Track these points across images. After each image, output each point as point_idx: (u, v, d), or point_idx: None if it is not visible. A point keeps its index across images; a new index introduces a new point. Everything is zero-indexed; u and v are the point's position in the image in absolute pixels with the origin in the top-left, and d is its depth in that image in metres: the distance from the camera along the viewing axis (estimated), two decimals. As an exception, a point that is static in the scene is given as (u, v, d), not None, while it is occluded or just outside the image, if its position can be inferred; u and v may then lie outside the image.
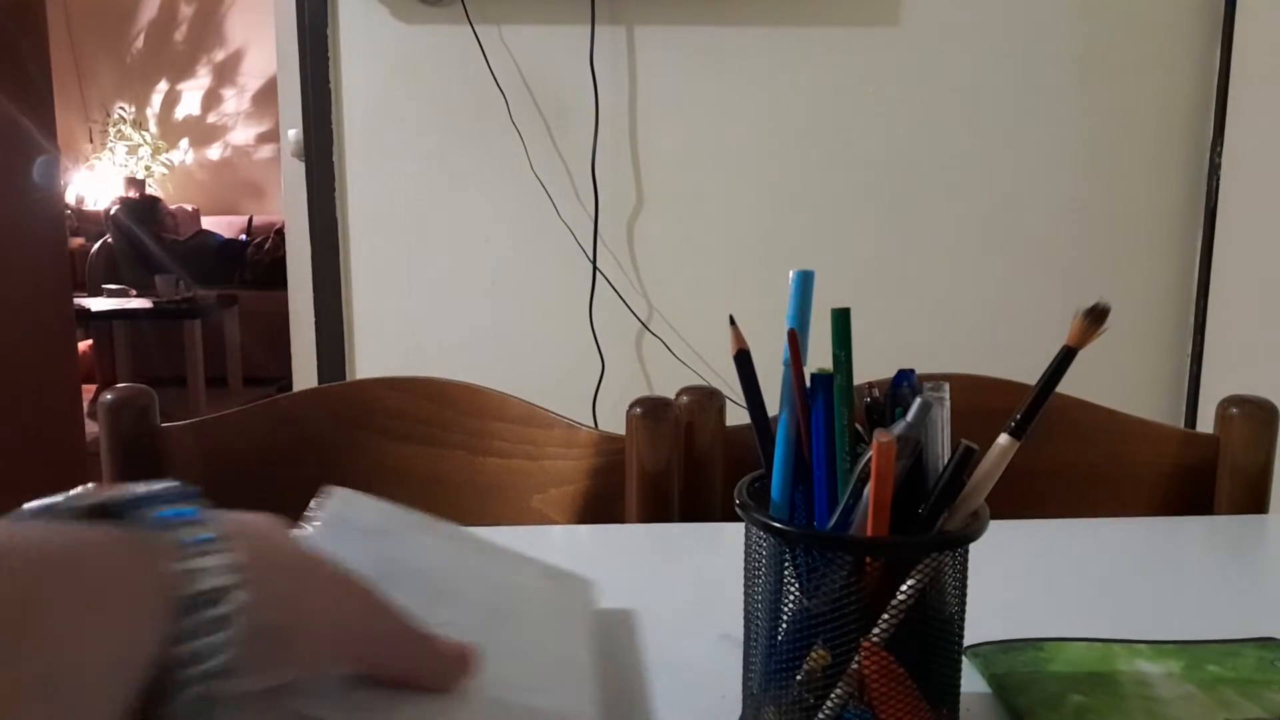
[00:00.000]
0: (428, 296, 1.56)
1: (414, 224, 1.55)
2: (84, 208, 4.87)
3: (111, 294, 3.75)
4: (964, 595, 0.34)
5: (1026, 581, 0.54)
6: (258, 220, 4.68)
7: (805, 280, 0.34)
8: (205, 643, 0.22)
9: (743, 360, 0.36)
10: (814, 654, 0.33)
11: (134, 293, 3.76)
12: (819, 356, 0.34)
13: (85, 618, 0.19)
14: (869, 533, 0.31)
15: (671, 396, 0.72)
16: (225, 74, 5.03)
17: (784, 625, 0.34)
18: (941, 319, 1.54)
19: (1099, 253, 1.54)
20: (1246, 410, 0.74)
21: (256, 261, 4.18)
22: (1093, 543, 0.61)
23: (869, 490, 0.31)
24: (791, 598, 0.33)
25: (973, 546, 0.33)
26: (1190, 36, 1.50)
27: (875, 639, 0.32)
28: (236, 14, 4.94)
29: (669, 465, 0.70)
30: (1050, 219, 1.55)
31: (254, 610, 0.23)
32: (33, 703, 0.18)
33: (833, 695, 0.33)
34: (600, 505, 0.73)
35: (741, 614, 0.36)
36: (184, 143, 5.12)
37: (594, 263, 1.53)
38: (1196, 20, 1.50)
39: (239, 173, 5.13)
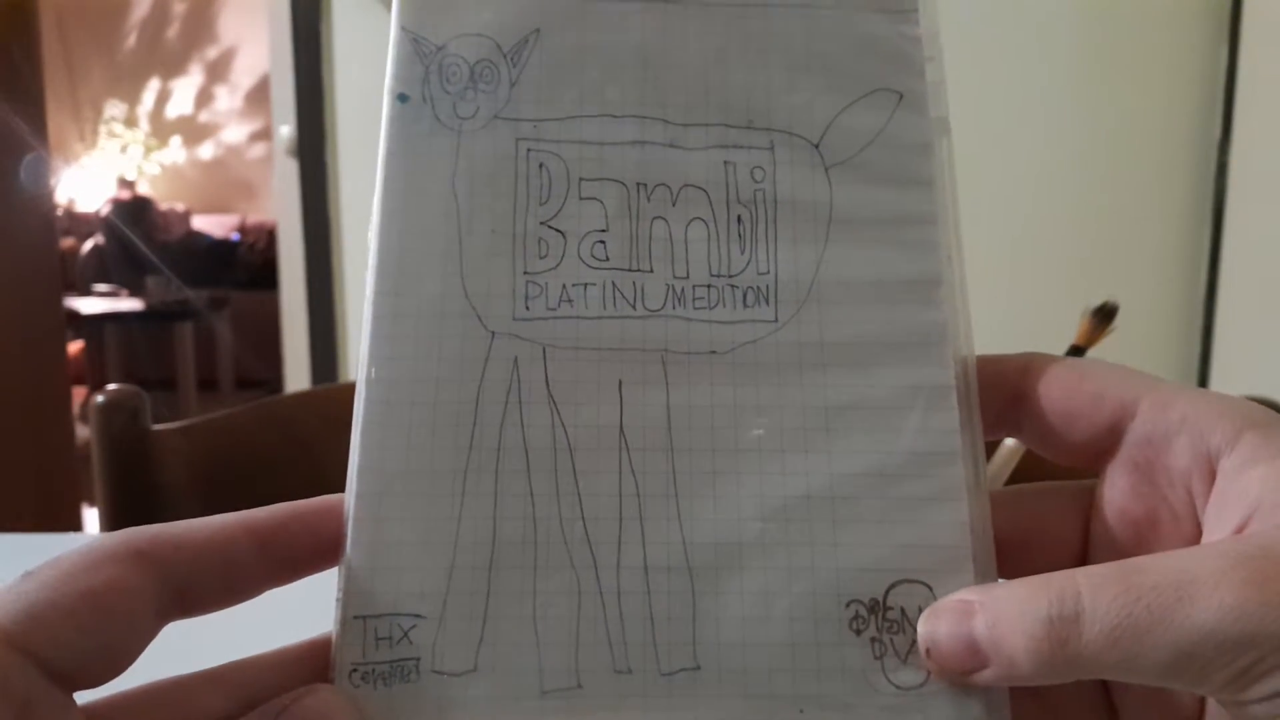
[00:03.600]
0: (422, 297, 1.56)
1: (408, 224, 1.54)
2: (74, 208, 4.85)
3: (102, 295, 3.73)
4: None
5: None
6: (250, 220, 4.66)
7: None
8: None
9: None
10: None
11: (125, 294, 3.75)
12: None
13: None
14: None
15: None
16: (218, 71, 5.02)
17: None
18: (938, 319, 1.53)
19: (1104, 252, 1.54)
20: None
21: (248, 263, 4.16)
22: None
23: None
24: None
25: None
26: (1196, 34, 1.50)
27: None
28: (229, 11, 4.92)
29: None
30: (1055, 218, 1.54)
31: None
32: None
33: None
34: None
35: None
36: (175, 140, 5.10)
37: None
38: (1202, 18, 1.49)
39: (230, 171, 5.11)
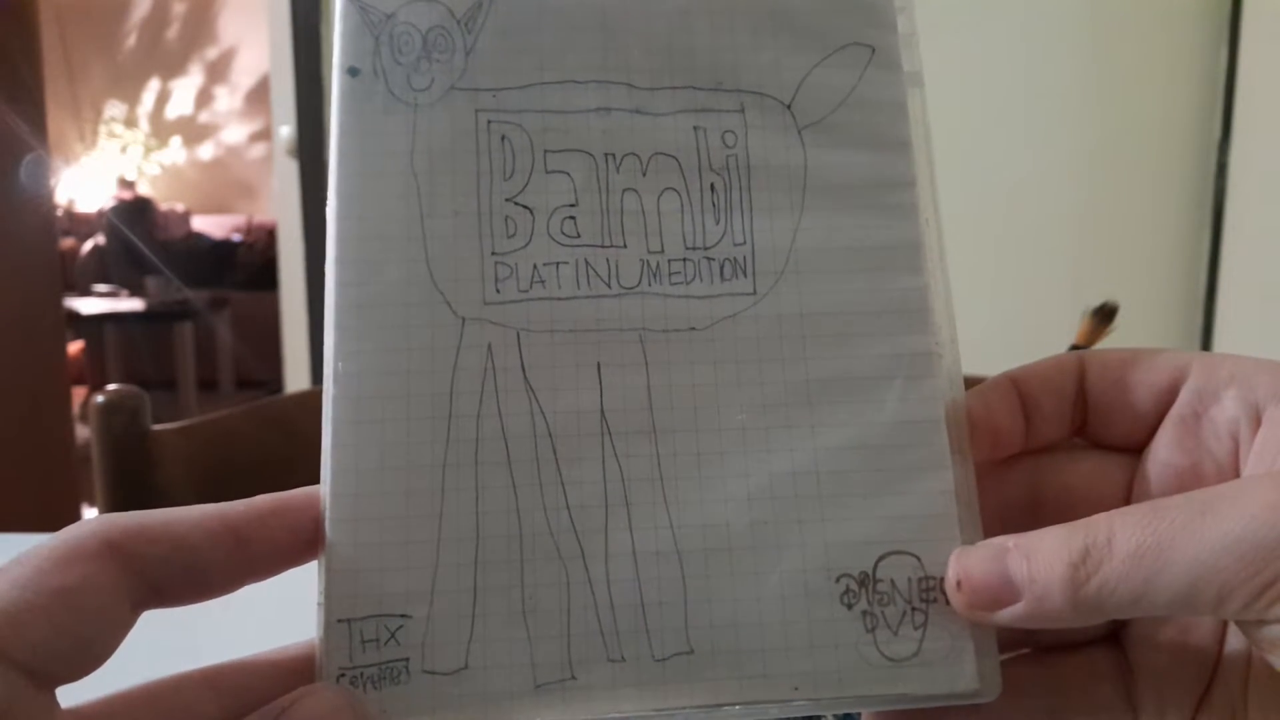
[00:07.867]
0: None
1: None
2: (75, 208, 4.84)
3: (102, 295, 3.73)
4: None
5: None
6: (250, 221, 4.66)
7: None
8: None
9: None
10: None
11: (125, 294, 3.74)
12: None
13: None
14: None
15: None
16: (217, 72, 5.02)
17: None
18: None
19: (1104, 253, 1.53)
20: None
21: (248, 263, 4.16)
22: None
23: None
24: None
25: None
26: (1196, 34, 1.50)
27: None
28: (229, 11, 4.92)
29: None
30: (1055, 219, 1.54)
31: None
32: None
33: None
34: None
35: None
36: (175, 141, 5.10)
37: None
38: (1202, 18, 1.49)
39: (230, 172, 5.11)
